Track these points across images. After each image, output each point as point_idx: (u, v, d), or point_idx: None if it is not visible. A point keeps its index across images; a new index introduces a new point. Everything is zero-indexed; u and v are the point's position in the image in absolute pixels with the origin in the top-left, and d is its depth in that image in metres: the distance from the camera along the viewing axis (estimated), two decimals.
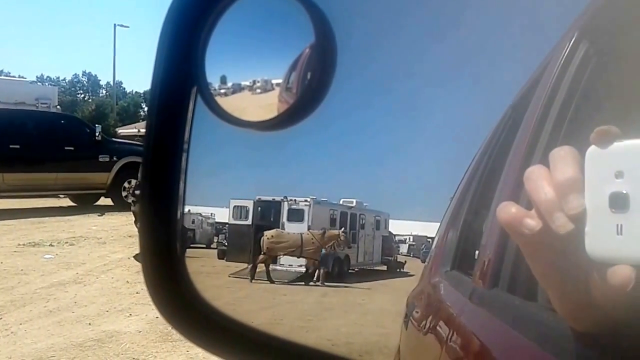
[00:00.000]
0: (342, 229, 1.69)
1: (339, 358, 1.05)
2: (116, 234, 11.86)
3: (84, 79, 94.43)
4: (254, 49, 0.97)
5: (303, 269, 1.72)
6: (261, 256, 1.66)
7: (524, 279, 0.80)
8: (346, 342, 1.36)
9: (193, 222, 1.34)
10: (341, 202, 1.71)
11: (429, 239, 1.72)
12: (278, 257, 1.71)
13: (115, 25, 50.78)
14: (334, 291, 1.75)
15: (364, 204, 1.73)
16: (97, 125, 17.23)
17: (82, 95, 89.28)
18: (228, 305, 1.04)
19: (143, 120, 39.25)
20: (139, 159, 13.64)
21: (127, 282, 8.05)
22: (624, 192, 0.51)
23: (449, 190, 1.50)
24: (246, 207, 1.70)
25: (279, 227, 1.69)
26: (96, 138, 16.12)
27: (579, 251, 0.52)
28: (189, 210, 1.05)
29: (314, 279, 1.71)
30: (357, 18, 1.05)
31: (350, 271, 1.80)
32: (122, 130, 33.52)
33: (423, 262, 1.74)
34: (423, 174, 1.24)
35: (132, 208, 10.19)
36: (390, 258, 1.79)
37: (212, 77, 0.93)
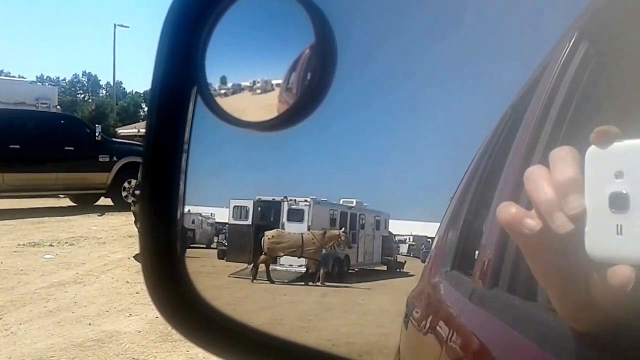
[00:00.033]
0: (343, 229, 1.69)
1: (339, 358, 1.05)
2: (116, 234, 11.86)
3: (84, 79, 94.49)
4: (254, 50, 0.97)
5: (303, 269, 1.72)
6: (262, 256, 1.66)
7: (524, 279, 0.80)
8: (346, 342, 1.36)
9: (193, 222, 1.34)
10: (341, 202, 1.71)
11: (429, 239, 1.72)
12: (278, 257, 1.71)
13: (115, 25, 50.88)
14: (334, 291, 1.75)
15: (364, 204, 1.73)
16: (97, 125, 17.24)
17: (82, 95, 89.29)
18: (228, 305, 1.04)
19: (143, 120, 39.26)
20: (139, 159, 13.64)
21: (127, 282, 8.05)
22: (624, 192, 0.51)
23: (449, 190, 1.50)
24: (246, 207, 1.70)
25: (279, 227, 1.69)
26: (96, 138, 16.12)
27: (579, 251, 0.52)
28: (189, 210, 1.05)
29: (314, 279, 1.71)
30: (357, 18, 1.05)
31: (350, 271, 1.80)
32: (122, 130, 33.52)
33: (423, 262, 1.74)
34: (423, 174, 1.24)
35: (132, 208, 10.19)
36: (390, 258, 1.79)
37: (212, 78, 0.93)
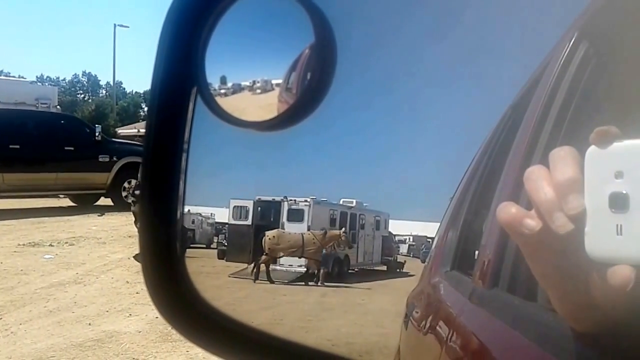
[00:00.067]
0: (343, 229, 1.69)
1: (339, 358, 1.05)
2: (116, 234, 11.86)
3: (83, 79, 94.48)
4: (254, 49, 0.97)
5: (303, 269, 1.72)
6: (263, 257, 1.66)
7: (524, 279, 0.80)
8: (346, 342, 1.36)
9: (193, 222, 1.34)
10: (341, 202, 1.71)
11: (429, 239, 1.72)
12: (278, 257, 1.71)
13: (115, 25, 50.91)
14: (334, 291, 1.75)
15: (364, 204, 1.73)
16: (97, 125, 17.24)
17: (82, 96, 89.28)
18: (228, 306, 1.04)
19: (143, 120, 39.24)
20: (139, 159, 13.63)
21: (127, 282, 8.05)
22: (624, 192, 0.51)
23: (449, 191, 1.50)
24: (246, 207, 1.70)
25: (279, 227, 1.69)
26: (96, 138, 16.13)
27: (578, 251, 0.52)
28: (189, 210, 1.05)
29: (314, 279, 1.71)
30: (357, 18, 1.05)
31: (350, 271, 1.80)
32: (122, 131, 33.52)
33: (423, 262, 1.74)
34: (423, 174, 1.24)
35: (132, 208, 10.19)
36: (390, 258, 1.78)
37: (212, 77, 0.93)
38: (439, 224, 1.62)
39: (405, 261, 1.76)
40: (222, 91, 0.93)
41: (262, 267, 1.69)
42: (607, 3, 0.75)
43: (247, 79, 0.93)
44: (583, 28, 0.81)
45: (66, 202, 16.94)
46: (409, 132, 1.23)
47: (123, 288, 7.80)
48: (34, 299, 7.25)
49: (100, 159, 15.85)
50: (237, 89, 0.93)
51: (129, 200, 14.37)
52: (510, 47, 1.03)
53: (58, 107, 23.77)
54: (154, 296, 0.98)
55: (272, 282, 1.70)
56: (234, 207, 1.71)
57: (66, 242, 11.05)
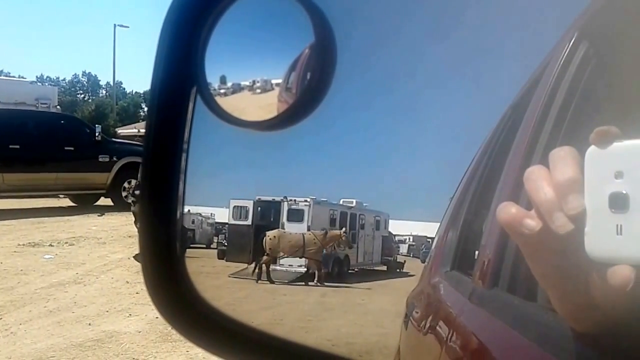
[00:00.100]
0: (344, 229, 1.69)
1: (339, 358, 1.05)
2: (116, 234, 11.86)
3: (83, 79, 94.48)
4: (253, 49, 0.97)
5: (303, 269, 1.72)
6: (265, 257, 1.66)
7: (524, 279, 0.80)
8: (346, 342, 1.36)
9: (193, 222, 1.34)
10: (341, 202, 1.71)
11: (429, 239, 1.72)
12: (278, 257, 1.71)
13: (115, 25, 50.94)
14: (334, 291, 1.75)
15: (364, 204, 1.73)
16: (97, 125, 17.24)
17: (82, 96, 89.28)
18: (228, 306, 1.04)
19: (143, 120, 39.25)
20: (139, 159, 13.63)
21: (127, 282, 8.04)
22: (624, 192, 0.51)
23: (449, 191, 1.50)
24: (246, 207, 1.70)
25: (279, 227, 1.69)
26: (96, 138, 16.13)
27: (578, 251, 0.52)
28: (189, 210, 1.05)
29: (315, 279, 1.71)
30: (357, 18, 1.05)
31: (350, 271, 1.80)
32: (122, 131, 33.52)
33: (423, 262, 1.74)
34: (423, 174, 1.24)
35: (132, 208, 10.19)
36: (390, 258, 1.78)
37: (212, 77, 0.93)
38: (439, 224, 1.62)
39: (405, 261, 1.76)
40: (222, 91, 0.93)
41: (263, 267, 1.69)
42: (607, 3, 0.75)
43: (247, 79, 0.92)
44: (583, 28, 0.81)
45: (66, 202, 16.94)
46: (409, 132, 1.23)
47: (123, 288, 7.80)
48: (33, 299, 7.25)
49: (100, 159, 15.85)
50: (237, 88, 0.93)
51: (129, 200, 14.37)
52: (510, 47, 1.03)
53: (58, 107, 23.80)
54: (154, 296, 0.98)
55: (272, 282, 1.70)
56: (234, 207, 1.71)
57: (66, 242, 11.05)
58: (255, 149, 1.21)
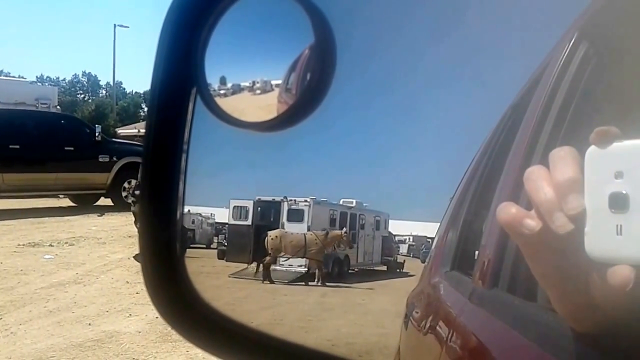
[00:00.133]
0: (344, 229, 1.69)
1: (339, 358, 1.05)
2: (116, 234, 11.86)
3: (83, 79, 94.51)
4: (253, 50, 0.97)
5: (303, 269, 1.72)
6: (268, 257, 1.66)
7: (524, 279, 0.80)
8: (346, 342, 1.36)
9: (193, 222, 1.34)
10: (341, 202, 1.71)
11: (429, 239, 1.72)
12: (279, 258, 1.71)
13: (115, 25, 50.93)
14: (334, 291, 1.75)
15: (364, 204, 1.73)
16: (97, 125, 17.24)
17: (82, 96, 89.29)
18: (228, 306, 1.04)
19: (143, 120, 39.24)
20: (139, 159, 13.62)
21: (127, 282, 8.04)
22: (624, 192, 0.51)
23: (449, 191, 1.50)
24: (246, 207, 1.70)
25: (279, 227, 1.69)
26: (96, 138, 16.12)
27: (578, 251, 0.52)
28: (189, 211, 1.05)
29: (315, 279, 1.71)
30: (357, 18, 1.05)
31: (350, 271, 1.80)
32: (122, 131, 33.52)
33: (423, 262, 1.74)
34: (423, 174, 1.24)
35: (132, 208, 10.20)
36: (390, 258, 1.79)
37: (212, 78, 0.93)
38: (439, 224, 1.62)
39: (405, 261, 1.76)
40: (222, 92, 0.93)
41: (265, 267, 1.69)
42: (607, 3, 0.75)
43: (247, 80, 0.92)
44: (583, 28, 0.81)
45: (66, 202, 16.94)
46: (409, 132, 1.23)
47: (123, 288, 7.80)
48: (33, 299, 7.25)
49: (100, 159, 15.84)
50: (237, 89, 0.93)
51: (129, 200, 14.38)
52: (510, 47, 1.03)
53: (58, 107, 23.79)
54: (154, 296, 0.98)
55: (272, 282, 1.70)
56: (234, 207, 1.71)
57: (66, 242, 11.05)
58: (255, 149, 1.21)
